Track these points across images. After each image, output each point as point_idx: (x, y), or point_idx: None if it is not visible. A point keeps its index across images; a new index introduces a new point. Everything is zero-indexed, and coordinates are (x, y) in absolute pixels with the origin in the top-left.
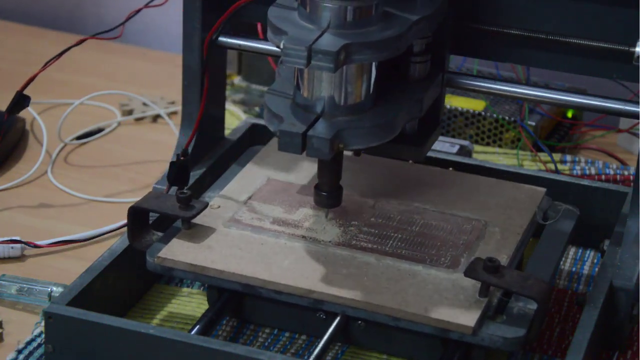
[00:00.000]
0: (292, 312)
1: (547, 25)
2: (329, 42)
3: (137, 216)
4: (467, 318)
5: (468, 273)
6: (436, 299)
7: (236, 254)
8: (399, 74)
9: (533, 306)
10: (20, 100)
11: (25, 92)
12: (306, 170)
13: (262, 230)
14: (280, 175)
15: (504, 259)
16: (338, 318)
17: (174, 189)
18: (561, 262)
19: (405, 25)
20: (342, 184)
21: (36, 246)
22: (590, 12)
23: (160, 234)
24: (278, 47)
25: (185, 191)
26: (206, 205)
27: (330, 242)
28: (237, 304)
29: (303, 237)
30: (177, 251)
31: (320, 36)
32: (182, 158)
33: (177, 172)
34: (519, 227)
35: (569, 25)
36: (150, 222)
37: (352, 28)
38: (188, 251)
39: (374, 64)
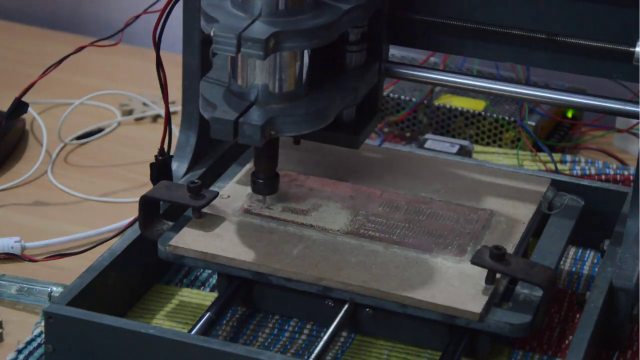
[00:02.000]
0: (301, 300)
1: (545, 25)
2: (259, 29)
3: (148, 206)
4: (474, 304)
5: (475, 260)
6: (443, 286)
7: (246, 243)
8: (335, 63)
9: (539, 293)
10: (19, 107)
11: (24, 95)
12: (314, 160)
13: (272, 219)
14: (288, 166)
15: (509, 248)
16: (346, 306)
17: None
18: (562, 261)
19: (337, 13)
20: (350, 175)
21: (32, 260)
22: (590, 12)
23: (171, 223)
24: (210, 35)
25: (196, 181)
26: (216, 194)
27: (338, 231)
28: (247, 292)
29: (312, 226)
30: (188, 240)
31: (250, 24)
32: (160, 157)
33: (158, 172)
34: (524, 217)
35: (569, 25)
36: (161, 212)
37: (283, 16)
38: (199, 240)
39: (306, 52)
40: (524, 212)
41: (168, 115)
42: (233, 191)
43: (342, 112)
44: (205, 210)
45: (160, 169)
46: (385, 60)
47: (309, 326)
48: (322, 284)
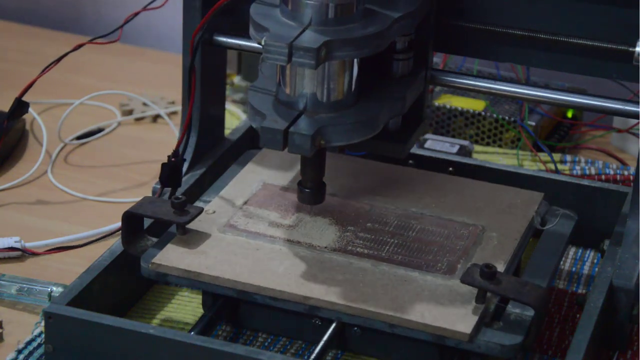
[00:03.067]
0: (288, 318)
1: (545, 25)
2: (310, 38)
3: (132, 221)
4: (464, 325)
5: (465, 279)
6: (432, 305)
7: (231, 260)
8: (382, 71)
9: (530, 313)
10: (19, 107)
11: (24, 95)
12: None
13: (258, 235)
14: (276, 180)
15: (501, 265)
16: (334, 324)
17: (168, 191)
18: (561, 263)
19: (387, 22)
20: (338, 189)
21: (33, 253)
22: (590, 12)
23: (154, 239)
24: (260, 44)
25: (180, 196)
26: (201, 210)
27: (326, 247)
28: (233, 309)
29: (299, 242)
30: (172, 257)
31: (301, 33)
32: (173, 159)
33: (169, 173)
34: (516, 233)
35: (569, 25)
36: (145, 227)
37: (333, 25)
38: (182, 257)
39: (355, 60)
40: (516, 228)
41: (190, 118)
42: (218, 206)
43: (389, 121)
44: (189, 226)
45: (172, 170)
46: (431, 68)
47: (297, 344)
48: (308, 303)
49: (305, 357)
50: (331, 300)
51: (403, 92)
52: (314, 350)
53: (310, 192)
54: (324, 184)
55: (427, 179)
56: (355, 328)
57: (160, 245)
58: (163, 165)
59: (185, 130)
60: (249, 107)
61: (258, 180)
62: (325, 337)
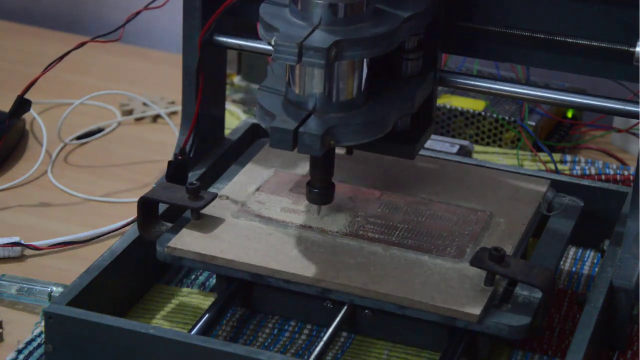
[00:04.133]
0: (300, 302)
1: (545, 25)
2: (320, 38)
3: (147, 207)
4: (473, 306)
5: (474, 262)
6: (442, 287)
7: (245, 244)
8: (391, 71)
9: (538, 295)
10: (22, 105)
11: (26, 93)
12: None
13: (270, 220)
14: (287, 167)
15: (509, 249)
16: (345, 307)
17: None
18: (561, 263)
19: (397, 22)
20: (349, 176)
21: (36, 248)
22: (590, 12)
23: (169, 224)
24: (269, 43)
25: (194, 182)
26: (215, 196)
27: (337, 232)
28: (246, 293)
29: (310, 227)
30: (187, 241)
31: (311, 33)
32: (180, 157)
33: (175, 171)
34: (523, 218)
35: (569, 25)
36: (160, 213)
37: (343, 25)
38: (197, 241)
39: (365, 60)
40: (523, 213)
41: (197, 117)
42: (232, 192)
43: (397, 122)
44: (203, 211)
45: (177, 168)
46: (440, 69)
47: (308, 327)
48: (320, 286)
49: (317, 340)
50: (343, 283)
51: (412, 92)
52: (325, 333)
53: (319, 192)
54: (332, 184)
55: (436, 165)
56: (366, 311)
57: (175, 230)
58: (169, 162)
59: (192, 128)
60: (257, 107)
61: (270, 167)
62: (337, 320)
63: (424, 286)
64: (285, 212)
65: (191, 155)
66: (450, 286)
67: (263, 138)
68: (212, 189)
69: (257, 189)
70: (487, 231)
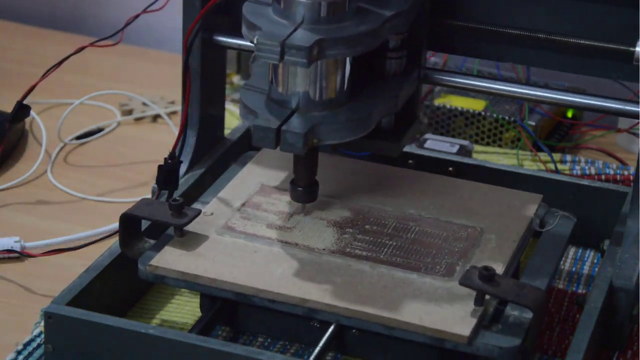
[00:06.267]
0: (286, 321)
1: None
2: (303, 37)
3: (129, 223)
4: (462, 327)
5: (463, 282)
6: (431, 307)
7: (229, 262)
8: (375, 69)
9: (529, 315)
10: (21, 110)
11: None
12: None
13: (256, 237)
14: (274, 182)
15: (499, 267)
16: (332, 327)
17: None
18: (561, 263)
19: (379, 20)
20: (337, 192)
21: (30, 255)
22: (590, 12)
23: (152, 241)
24: (252, 42)
25: (177, 198)
26: (199, 212)
27: (324, 249)
28: (231, 311)
29: (297, 244)
30: (169, 259)
31: (293, 31)
32: (169, 161)
33: (165, 176)
34: (515, 235)
35: (569, 26)
36: (143, 229)
37: (325, 23)
38: (180, 259)
39: (348, 59)
40: (515, 230)
41: (185, 120)
42: (216, 208)
43: (381, 120)
44: (187, 228)
45: (168, 172)
46: (424, 67)
47: (295, 347)
48: (306, 306)
49: (305, 358)
50: (329, 303)
51: (396, 90)
52: (312, 352)
53: (303, 191)
54: (316, 182)
55: (425, 180)
56: (354, 330)
57: (157, 248)
58: (159, 167)
59: (181, 131)
60: (241, 105)
61: (256, 181)
62: (324, 340)
63: (412, 306)
64: (272, 228)
65: (184, 156)
66: (439, 306)
67: (251, 151)
68: (197, 204)
69: (243, 205)
70: (478, 248)
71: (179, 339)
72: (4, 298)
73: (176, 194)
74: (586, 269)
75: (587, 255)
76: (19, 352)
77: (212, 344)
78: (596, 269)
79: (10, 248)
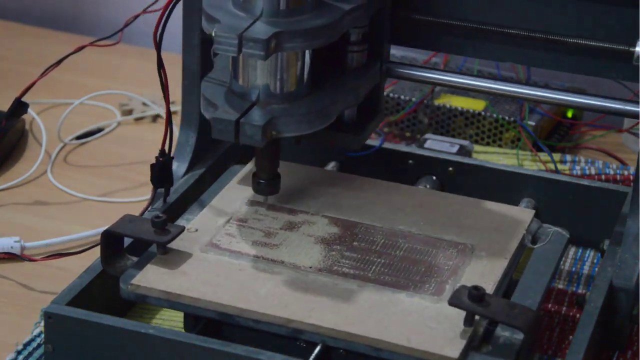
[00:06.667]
0: (272, 340)
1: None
2: (260, 30)
3: (111, 240)
4: (451, 349)
5: (452, 302)
6: (419, 328)
7: (213, 281)
8: (337, 63)
9: (520, 336)
10: (19, 107)
11: (24, 95)
12: (287, 191)
13: (241, 255)
14: (260, 197)
15: (490, 286)
16: (319, 347)
17: (158, 199)
18: (561, 263)
19: (338, 14)
20: (325, 207)
21: (31, 260)
22: (590, 12)
23: (135, 258)
24: (211, 35)
25: (160, 215)
26: (182, 229)
27: (311, 267)
28: (215, 330)
29: (282, 262)
30: (151, 278)
31: (252, 24)
32: (160, 159)
33: (158, 173)
34: (506, 252)
35: (569, 26)
36: (126, 245)
37: (284, 16)
38: (163, 278)
39: (308, 52)
40: (506, 247)
41: (169, 117)
42: (201, 224)
43: (344, 113)
44: (171, 245)
45: (161, 170)
46: (387, 60)
47: None
48: (291, 326)
49: None
50: (315, 324)
51: (356, 83)
52: None
53: (265, 184)
54: (278, 175)
55: (415, 194)
56: (341, 350)
57: (140, 266)
58: (151, 165)
59: (167, 127)
60: (202, 98)
61: (242, 197)
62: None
63: (400, 327)
64: (257, 245)
65: (185, 156)
66: (427, 326)
67: (236, 165)
68: (181, 220)
69: (228, 221)
70: (468, 266)
71: (179, 339)
72: (4, 298)
73: (176, 195)
74: (586, 269)
75: (587, 255)
76: (19, 352)
77: (212, 344)
78: (596, 269)
79: (10, 249)
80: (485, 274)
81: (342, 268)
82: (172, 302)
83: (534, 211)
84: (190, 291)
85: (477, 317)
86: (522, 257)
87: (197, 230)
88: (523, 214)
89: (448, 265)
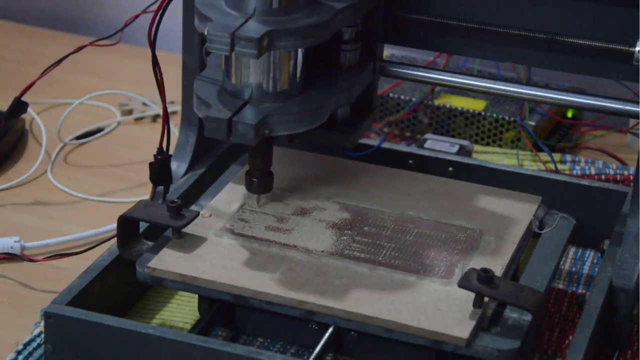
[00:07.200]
0: (285, 323)
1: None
2: (253, 28)
3: (127, 225)
4: (461, 329)
5: (462, 284)
6: (430, 310)
7: (227, 264)
8: (330, 61)
9: (528, 317)
10: (18, 107)
11: (23, 95)
12: (297, 178)
13: (254, 239)
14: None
15: (498, 269)
16: (331, 329)
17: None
18: (561, 263)
19: (330, 12)
20: (335, 194)
21: (31, 260)
22: (590, 12)
23: (150, 243)
24: (203, 34)
25: (175, 200)
26: (197, 214)
27: (322, 251)
28: (229, 314)
29: (295, 246)
30: (167, 261)
31: (244, 23)
32: (159, 157)
33: (157, 171)
34: (514, 237)
35: (569, 26)
36: (141, 231)
37: (277, 15)
38: (178, 261)
39: (300, 50)
40: (514, 232)
41: (166, 115)
42: (215, 210)
43: (337, 112)
44: (185, 230)
45: (160, 168)
46: (380, 59)
47: (293, 348)
48: (304, 308)
49: (305, 358)
50: (327, 305)
51: (349, 82)
52: (310, 354)
53: (258, 182)
54: (271, 174)
55: (424, 181)
56: (352, 332)
57: (155, 250)
58: (150, 164)
59: (164, 125)
60: (194, 97)
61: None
62: (322, 342)
63: (411, 308)
64: (270, 230)
65: (185, 156)
66: (437, 308)
67: (236, 165)
68: (195, 206)
69: (241, 207)
70: (477, 250)
71: (179, 339)
72: (4, 298)
73: (176, 194)
74: (586, 269)
75: (587, 255)
76: (19, 352)
77: (212, 344)
78: (596, 269)
79: (10, 249)
80: (493, 258)
81: (353, 252)
82: (187, 284)
83: (540, 197)
84: (205, 274)
85: (485, 299)
86: (529, 242)
87: (210, 215)
88: (530, 200)
89: (457, 250)
